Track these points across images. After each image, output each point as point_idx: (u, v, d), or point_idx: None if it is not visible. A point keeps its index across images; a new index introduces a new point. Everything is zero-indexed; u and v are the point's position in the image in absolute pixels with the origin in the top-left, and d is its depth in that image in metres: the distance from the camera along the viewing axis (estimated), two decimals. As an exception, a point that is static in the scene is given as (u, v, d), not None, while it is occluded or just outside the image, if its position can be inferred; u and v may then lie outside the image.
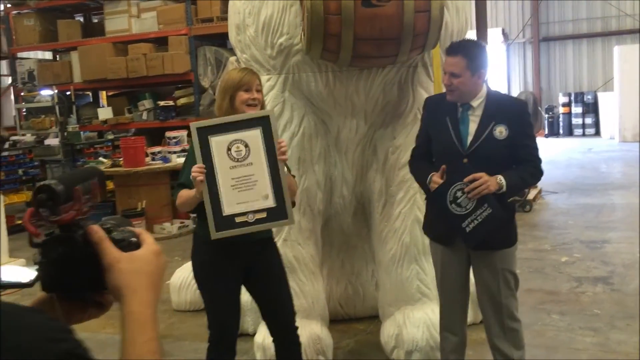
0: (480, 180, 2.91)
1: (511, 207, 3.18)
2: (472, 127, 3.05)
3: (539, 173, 3.11)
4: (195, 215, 3.15)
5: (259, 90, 3.06)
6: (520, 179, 3.02)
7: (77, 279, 1.06)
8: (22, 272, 1.07)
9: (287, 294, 3.20)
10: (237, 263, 3.04)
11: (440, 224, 3.18)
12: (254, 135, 2.87)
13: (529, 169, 3.05)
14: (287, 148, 3.03)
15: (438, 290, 3.36)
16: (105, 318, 1.16)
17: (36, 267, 1.06)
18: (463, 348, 3.34)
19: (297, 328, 3.21)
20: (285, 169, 2.99)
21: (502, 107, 3.07)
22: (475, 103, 3.07)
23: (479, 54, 3.04)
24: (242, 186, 2.87)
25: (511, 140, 3.01)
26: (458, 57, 2.99)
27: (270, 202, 2.89)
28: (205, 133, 2.83)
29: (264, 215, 2.89)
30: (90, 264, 1.04)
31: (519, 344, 3.17)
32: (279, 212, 2.90)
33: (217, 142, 2.84)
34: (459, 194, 2.98)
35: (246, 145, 2.87)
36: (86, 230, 1.06)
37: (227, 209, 2.85)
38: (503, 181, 2.93)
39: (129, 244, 1.08)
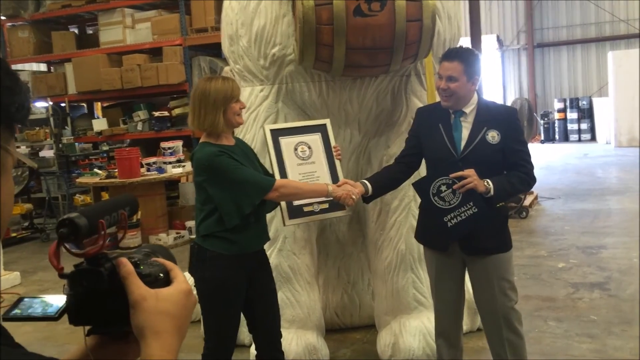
0: (467, 172, 2.93)
1: (502, 212, 3.19)
2: (465, 132, 3.08)
3: (531, 179, 3.11)
4: (206, 231, 2.98)
5: None
6: (509, 184, 3.03)
7: (102, 313, 1.00)
8: (52, 303, 1.02)
9: (277, 304, 3.24)
10: (246, 275, 3.02)
11: (432, 230, 3.19)
12: (315, 139, 3.40)
13: (519, 174, 3.06)
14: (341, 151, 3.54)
15: (432, 297, 3.36)
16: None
17: (65, 298, 1.01)
18: (459, 355, 3.32)
19: (281, 336, 3.25)
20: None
21: (493, 113, 3.11)
22: (467, 109, 3.10)
23: (475, 61, 3.08)
24: (308, 180, 3.29)
25: (503, 145, 3.03)
26: (455, 62, 3.03)
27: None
28: (276, 135, 3.26)
29: (326, 205, 3.30)
30: (116, 298, 0.98)
31: (519, 355, 3.15)
32: (338, 204, 3.26)
33: (286, 143, 3.30)
34: (442, 187, 3.02)
35: (309, 147, 3.36)
36: (114, 262, 1.01)
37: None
38: (491, 185, 2.95)
39: (156, 280, 1.01)
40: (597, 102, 18.98)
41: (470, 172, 2.94)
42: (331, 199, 3.20)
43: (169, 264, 1.06)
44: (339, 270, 4.58)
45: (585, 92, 20.16)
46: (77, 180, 9.07)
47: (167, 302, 0.99)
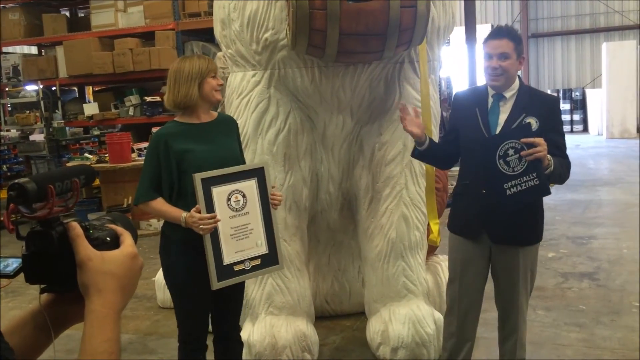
0: (539, 141, 2.80)
1: (540, 201, 3.13)
2: (502, 117, 3.02)
3: (569, 170, 3.04)
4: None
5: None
6: (562, 168, 2.94)
7: (53, 273, 1.07)
8: (10, 262, 1.10)
9: (242, 294, 3.24)
10: (202, 261, 2.97)
11: (467, 217, 3.13)
12: (250, 186, 3.05)
13: (567, 163, 2.99)
14: (282, 197, 3.21)
15: (451, 289, 3.26)
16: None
17: (20, 258, 1.09)
18: (471, 348, 3.29)
19: (240, 329, 3.24)
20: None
21: (534, 100, 3.04)
22: (508, 94, 3.04)
23: (520, 40, 3.04)
24: (240, 235, 3.01)
25: (541, 134, 2.91)
26: (505, 39, 2.97)
27: (263, 249, 3.07)
28: (208, 184, 2.91)
29: (258, 262, 3.05)
30: (66, 259, 1.05)
31: (521, 343, 3.16)
32: (271, 258, 3.09)
33: (218, 193, 2.95)
34: (510, 151, 2.87)
35: (244, 196, 3.02)
36: (66, 226, 1.07)
37: (227, 259, 2.96)
38: (552, 162, 2.86)
39: (103, 243, 1.09)
40: (590, 93, 19.01)
41: (541, 141, 2.80)
42: (263, 253, 3.06)
43: (120, 229, 1.13)
44: (330, 257, 4.58)
45: (578, 83, 20.19)
46: (67, 164, 9.01)
47: (112, 264, 1.06)
